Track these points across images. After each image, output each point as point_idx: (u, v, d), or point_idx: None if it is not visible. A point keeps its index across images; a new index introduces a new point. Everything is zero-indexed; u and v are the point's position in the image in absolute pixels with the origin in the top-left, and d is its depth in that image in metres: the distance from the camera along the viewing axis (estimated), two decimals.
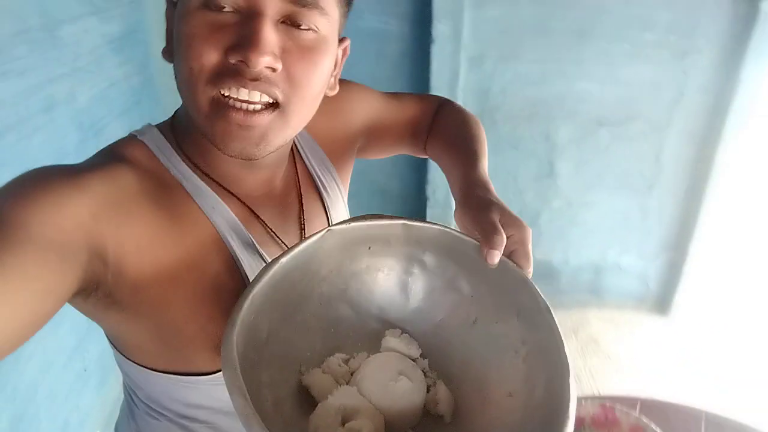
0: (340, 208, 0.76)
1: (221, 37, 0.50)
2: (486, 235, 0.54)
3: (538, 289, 0.54)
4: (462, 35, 2.17)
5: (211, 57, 0.50)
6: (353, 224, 0.58)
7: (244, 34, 0.49)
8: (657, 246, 2.57)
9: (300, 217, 0.69)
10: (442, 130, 0.81)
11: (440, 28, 2.14)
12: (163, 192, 0.56)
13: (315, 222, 0.71)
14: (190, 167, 0.59)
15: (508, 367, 0.55)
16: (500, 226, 0.54)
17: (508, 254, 0.56)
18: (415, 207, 2.59)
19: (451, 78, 2.25)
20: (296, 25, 0.52)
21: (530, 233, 0.56)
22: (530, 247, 0.56)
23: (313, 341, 0.58)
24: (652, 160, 2.41)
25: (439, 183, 2.48)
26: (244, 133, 0.53)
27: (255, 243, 0.61)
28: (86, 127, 1.55)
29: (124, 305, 0.54)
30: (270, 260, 0.53)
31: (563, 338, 0.51)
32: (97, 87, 1.62)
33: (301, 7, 0.51)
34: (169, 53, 0.57)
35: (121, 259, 0.51)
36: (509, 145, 2.40)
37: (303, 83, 0.54)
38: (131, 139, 0.59)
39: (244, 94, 0.51)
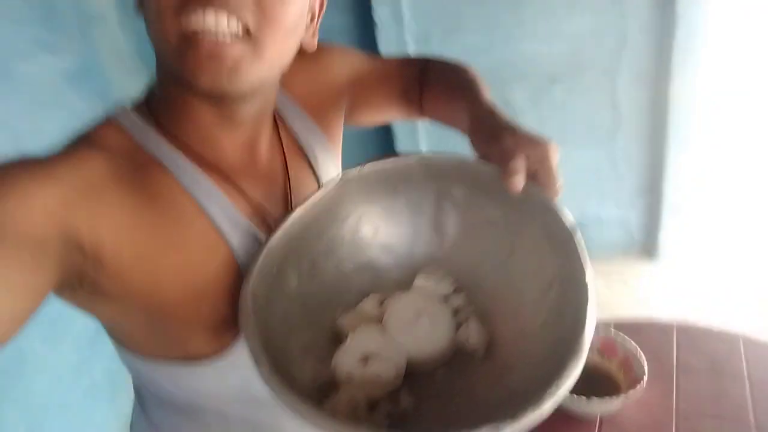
0: (332, 172, 0.72)
1: None
2: (500, 164, 0.53)
3: (563, 211, 0.53)
4: (403, 16, 2.17)
5: None
6: (368, 168, 0.59)
7: None
8: (632, 192, 2.60)
9: (286, 187, 0.66)
10: (435, 83, 0.78)
11: (381, 13, 2.14)
12: (139, 173, 0.54)
13: (303, 191, 0.68)
14: (167, 141, 0.57)
15: (541, 297, 0.53)
16: (513, 150, 0.53)
17: (532, 175, 0.53)
18: None
19: None
20: None
21: (551, 148, 0.53)
22: (554, 162, 0.53)
23: (348, 285, 0.60)
24: (610, 108, 2.43)
25: None
26: (214, 64, 0.50)
27: (240, 215, 0.59)
28: None
29: (111, 295, 0.52)
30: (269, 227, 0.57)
31: (586, 261, 0.49)
32: (62, 120, 1.60)
33: None
34: (140, 2, 0.54)
35: (99, 247, 0.49)
36: None
37: (274, 12, 0.51)
38: (104, 121, 0.58)
39: (211, 21, 0.48)
